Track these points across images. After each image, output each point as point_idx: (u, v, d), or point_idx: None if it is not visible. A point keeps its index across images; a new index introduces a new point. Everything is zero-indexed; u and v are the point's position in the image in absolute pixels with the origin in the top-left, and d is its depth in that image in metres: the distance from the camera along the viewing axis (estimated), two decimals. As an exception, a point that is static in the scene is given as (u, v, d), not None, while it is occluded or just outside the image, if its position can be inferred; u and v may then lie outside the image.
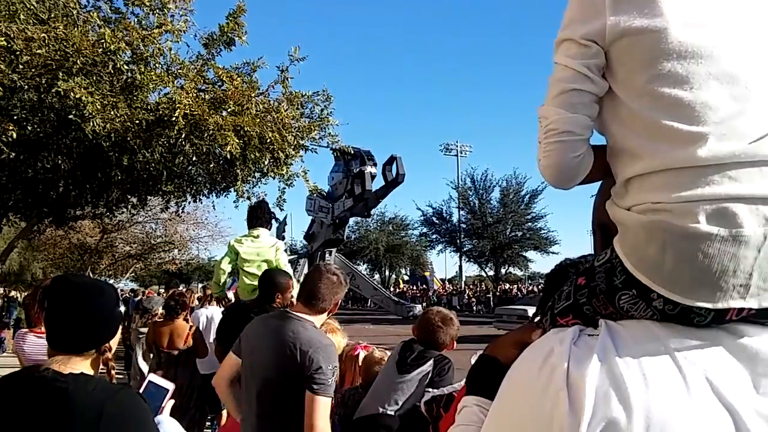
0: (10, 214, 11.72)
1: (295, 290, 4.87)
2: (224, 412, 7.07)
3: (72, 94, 7.10)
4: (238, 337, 3.42)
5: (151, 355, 6.59)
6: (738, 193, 0.98)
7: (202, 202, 13.01)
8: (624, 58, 1.09)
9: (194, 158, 9.15)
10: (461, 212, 51.88)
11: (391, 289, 52.27)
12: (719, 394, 0.97)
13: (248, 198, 10.11)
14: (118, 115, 7.64)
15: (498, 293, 41.94)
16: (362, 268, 57.13)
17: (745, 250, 0.97)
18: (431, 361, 3.70)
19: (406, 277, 64.45)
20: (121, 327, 2.29)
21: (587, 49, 1.11)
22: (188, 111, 7.78)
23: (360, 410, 3.78)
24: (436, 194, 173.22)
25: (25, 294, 22.95)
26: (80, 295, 2.05)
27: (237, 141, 8.07)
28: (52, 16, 7.89)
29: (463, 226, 51.80)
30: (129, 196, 11.73)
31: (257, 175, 10.17)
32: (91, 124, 7.31)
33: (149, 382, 2.25)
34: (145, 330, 8.11)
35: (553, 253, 49.37)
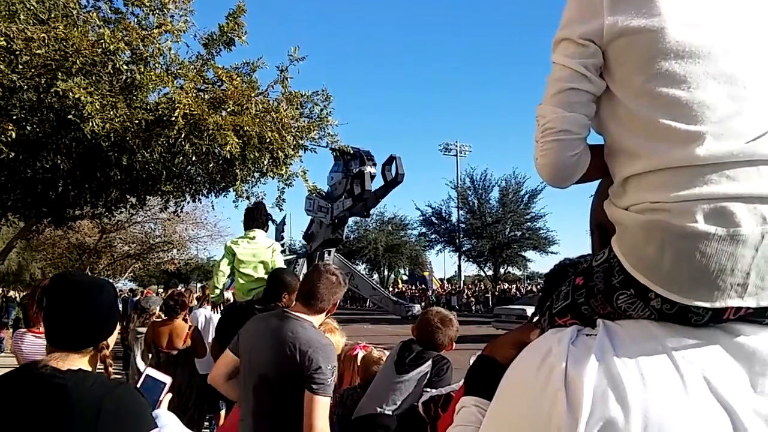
0: (9, 213, 11.72)
1: None
2: (222, 412, 7.09)
3: (71, 94, 7.11)
4: (236, 334, 3.42)
5: (150, 355, 6.58)
6: (736, 193, 0.98)
7: (201, 202, 13.04)
8: (622, 57, 1.09)
9: (193, 158, 9.15)
10: (460, 212, 51.95)
11: (390, 288, 52.27)
12: (717, 393, 0.97)
13: (247, 198, 10.12)
14: (118, 115, 7.65)
15: (497, 293, 41.93)
16: (361, 267, 57.14)
17: (742, 249, 0.97)
18: (430, 362, 3.70)
19: (405, 277, 64.43)
20: (119, 326, 2.30)
21: (585, 48, 1.11)
22: (188, 111, 7.79)
23: (358, 410, 3.78)
24: (436, 194, 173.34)
25: (24, 294, 22.93)
26: (80, 293, 2.06)
27: (236, 141, 8.08)
28: (52, 16, 7.89)
29: (462, 225, 51.83)
30: (128, 196, 11.74)
31: (256, 174, 10.18)
32: (90, 123, 7.32)
33: (147, 375, 2.26)
34: (143, 330, 8.10)
35: (552, 252, 49.48)
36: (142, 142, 8.45)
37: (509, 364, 1.16)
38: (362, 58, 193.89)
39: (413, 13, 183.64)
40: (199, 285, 38.63)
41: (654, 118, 1.04)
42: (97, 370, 2.10)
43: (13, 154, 7.98)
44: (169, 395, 2.26)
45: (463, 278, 57.68)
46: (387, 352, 4.17)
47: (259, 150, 8.78)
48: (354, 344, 4.74)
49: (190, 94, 8.07)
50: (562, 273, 1.50)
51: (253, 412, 3.18)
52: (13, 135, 7.49)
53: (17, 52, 7.11)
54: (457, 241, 52.14)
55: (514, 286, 48.86)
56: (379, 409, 3.65)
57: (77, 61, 7.35)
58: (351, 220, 37.77)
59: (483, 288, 48.15)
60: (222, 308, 6.39)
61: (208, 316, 8.06)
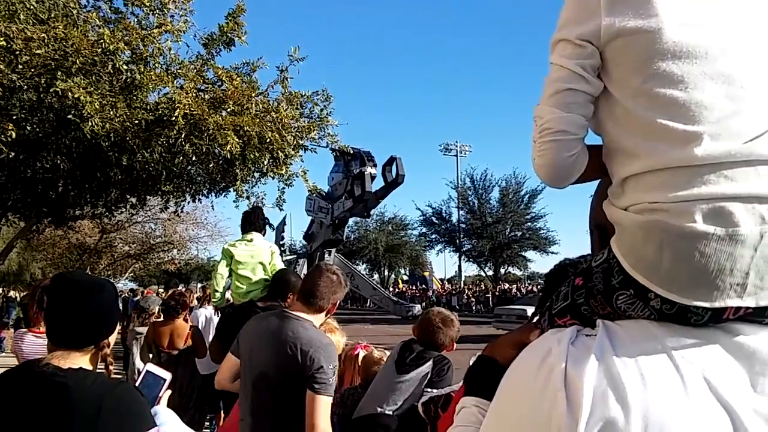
0: (9, 213, 11.72)
1: None
2: (222, 413, 7.09)
3: (71, 93, 7.11)
4: (236, 337, 3.42)
5: (150, 355, 6.58)
6: (734, 193, 0.98)
7: (201, 202, 13.05)
8: (619, 58, 1.09)
9: (194, 158, 9.15)
10: (461, 212, 51.99)
11: (391, 288, 52.33)
12: (717, 393, 0.97)
13: (247, 198, 10.12)
14: (118, 115, 7.65)
15: (497, 293, 41.92)
16: (361, 268, 57.17)
17: (741, 249, 0.97)
18: (430, 362, 3.70)
19: (405, 277, 64.46)
20: (119, 326, 2.30)
21: (582, 49, 1.11)
22: (188, 111, 7.79)
23: (358, 410, 3.78)
24: (436, 194, 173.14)
25: (24, 294, 22.95)
26: (81, 292, 2.08)
27: (237, 141, 8.08)
28: (52, 16, 7.89)
29: (463, 226, 51.86)
30: (128, 196, 11.75)
31: (257, 175, 10.18)
32: (90, 123, 7.32)
33: (147, 371, 2.27)
34: (141, 329, 8.10)
35: (552, 253, 49.53)
36: (142, 142, 8.45)
37: (509, 365, 1.16)
38: (362, 58, 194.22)
39: (413, 13, 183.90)
40: (199, 285, 38.66)
41: (652, 118, 1.05)
42: (99, 369, 2.11)
43: (13, 154, 7.98)
44: (169, 391, 2.27)
45: (463, 278, 57.75)
46: (387, 352, 4.17)
47: (260, 150, 8.78)
48: (355, 344, 4.74)
49: (190, 94, 8.07)
50: (562, 273, 1.49)
51: (254, 412, 3.18)
52: (13, 135, 7.49)
53: (17, 52, 7.11)
54: (457, 241, 52.17)
55: (515, 286, 48.87)
56: (379, 409, 3.65)
57: (77, 60, 7.35)
58: (351, 220, 37.79)
59: (483, 288, 48.18)
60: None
61: (208, 316, 8.07)
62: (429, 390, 3.56)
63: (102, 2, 9.00)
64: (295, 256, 37.66)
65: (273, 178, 9.95)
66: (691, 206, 0.98)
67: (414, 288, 53.40)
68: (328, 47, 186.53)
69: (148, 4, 8.48)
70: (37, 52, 7.15)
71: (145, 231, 35.23)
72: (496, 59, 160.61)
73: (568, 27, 1.14)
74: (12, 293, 30.24)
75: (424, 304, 40.31)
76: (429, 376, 3.67)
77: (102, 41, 7.46)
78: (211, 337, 6.85)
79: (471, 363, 1.40)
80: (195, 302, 9.50)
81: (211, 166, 9.55)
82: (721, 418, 0.96)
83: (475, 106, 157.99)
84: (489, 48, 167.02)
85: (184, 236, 36.47)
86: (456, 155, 58.72)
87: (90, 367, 2.06)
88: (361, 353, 4.51)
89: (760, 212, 0.97)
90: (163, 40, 8.36)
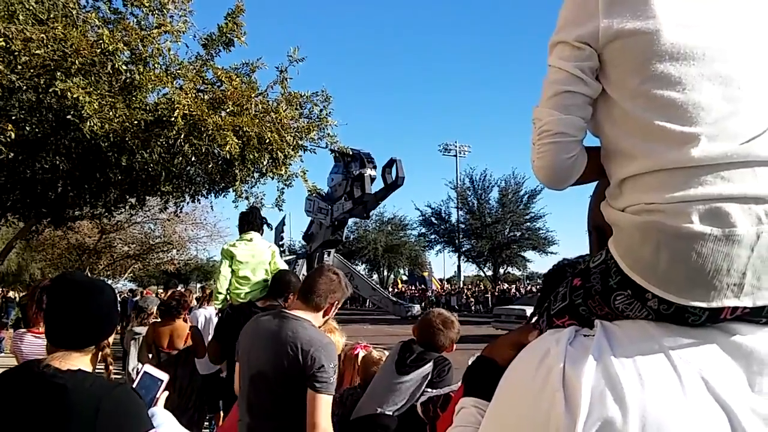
0: (9, 214, 11.72)
1: None
2: (222, 413, 7.09)
3: (70, 94, 7.11)
4: (238, 342, 3.42)
5: (150, 356, 6.58)
6: (731, 193, 0.98)
7: (200, 203, 13.06)
8: (617, 60, 1.10)
9: (193, 158, 9.15)
10: (460, 212, 52.03)
11: (390, 289, 52.31)
12: (714, 393, 0.98)
13: (247, 198, 10.12)
14: (117, 115, 7.65)
15: (496, 293, 41.94)
16: (361, 268, 57.18)
17: (738, 250, 0.97)
18: (431, 363, 3.70)
19: (404, 277, 64.44)
20: (119, 327, 2.32)
21: (581, 51, 1.12)
22: (187, 111, 7.79)
23: (357, 410, 3.78)
24: (435, 194, 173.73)
25: (23, 294, 22.95)
26: (83, 293, 2.10)
27: (236, 141, 8.08)
28: (51, 16, 7.89)
29: (462, 226, 51.89)
30: (127, 197, 11.74)
31: (256, 175, 10.18)
32: (89, 124, 7.33)
33: (144, 372, 2.27)
34: (139, 330, 8.10)
35: (551, 253, 49.57)
36: (142, 142, 8.45)
37: (508, 365, 1.16)
38: (361, 58, 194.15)
39: (412, 13, 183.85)
40: (198, 285, 38.62)
41: (649, 119, 1.05)
42: (99, 370, 2.12)
43: (12, 154, 7.98)
44: (166, 393, 2.28)
45: (462, 278, 57.78)
46: (387, 353, 4.17)
47: (259, 150, 8.78)
48: (354, 344, 4.74)
49: (189, 95, 8.08)
50: (561, 274, 1.50)
51: (253, 413, 3.18)
52: (13, 135, 7.49)
53: (16, 53, 7.12)
54: (456, 241, 52.20)
55: (514, 286, 48.92)
56: (379, 409, 3.65)
57: (76, 61, 7.35)
58: (350, 221, 37.79)
59: (482, 288, 48.19)
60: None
61: (208, 317, 8.07)
62: (429, 390, 3.57)
63: (101, 3, 9.02)
64: (294, 256, 37.66)
65: (272, 178, 9.95)
66: (687, 207, 0.99)
67: (413, 288, 53.38)
68: (328, 48, 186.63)
69: (147, 4, 8.48)
70: (37, 52, 7.16)
71: (144, 231, 35.25)
72: (496, 59, 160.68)
73: (566, 29, 1.14)
74: (11, 293, 30.20)
75: (423, 304, 40.31)
76: (430, 377, 3.68)
77: (101, 42, 7.47)
78: (210, 338, 6.85)
79: (470, 363, 1.41)
80: (194, 302, 9.50)
81: (210, 166, 9.55)
82: (719, 418, 0.96)
83: (474, 106, 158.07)
84: (488, 48, 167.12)
85: (184, 237, 36.48)
86: (455, 155, 58.79)
87: (90, 368, 2.07)
88: (361, 353, 4.51)
89: (757, 213, 0.98)
90: (163, 40, 8.36)
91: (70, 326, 2.05)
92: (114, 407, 1.92)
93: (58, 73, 7.31)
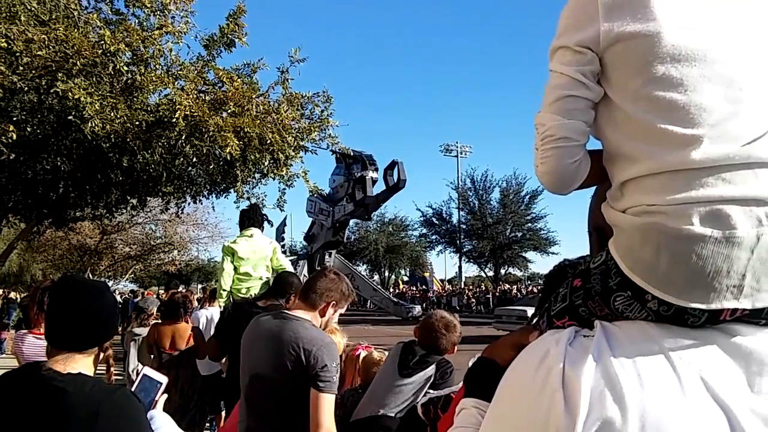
0: (10, 215, 11.73)
1: None
2: (223, 413, 7.08)
3: (71, 95, 7.11)
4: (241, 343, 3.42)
5: (152, 357, 6.57)
6: (732, 195, 0.98)
7: (201, 203, 13.05)
8: (618, 63, 1.10)
9: (194, 159, 9.15)
10: (461, 213, 51.94)
11: (391, 289, 52.28)
12: (713, 393, 0.98)
13: (248, 199, 10.13)
14: (118, 116, 7.65)
15: (497, 294, 41.90)
16: (362, 268, 57.09)
17: (738, 252, 0.98)
18: (434, 366, 3.71)
19: (405, 278, 64.42)
20: (120, 328, 2.33)
21: (582, 55, 1.12)
22: (188, 112, 7.79)
23: (356, 412, 3.77)
24: (436, 195, 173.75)
25: (24, 295, 22.94)
26: (85, 295, 2.11)
27: (237, 142, 8.08)
28: (53, 17, 7.90)
29: (463, 226, 51.81)
30: (129, 197, 11.75)
31: (257, 176, 10.19)
32: (91, 125, 7.33)
33: (144, 375, 2.28)
34: (138, 330, 8.10)
35: (552, 253, 49.43)
36: (143, 143, 8.45)
37: (509, 366, 1.16)
38: (363, 59, 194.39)
39: (413, 14, 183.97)
40: (199, 286, 38.60)
41: (651, 122, 1.05)
42: (101, 371, 2.13)
43: (13, 155, 7.98)
44: (165, 395, 2.28)
45: (463, 279, 57.73)
46: (387, 353, 4.17)
47: (260, 151, 8.78)
48: (356, 345, 4.75)
49: (190, 96, 8.08)
50: (562, 274, 1.50)
51: (255, 414, 3.18)
52: (14, 136, 7.50)
53: (18, 54, 7.12)
54: (457, 241, 52.13)
55: (515, 286, 48.83)
56: (381, 411, 3.65)
57: (78, 62, 7.36)
58: (352, 221, 37.79)
59: (484, 289, 48.13)
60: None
61: (209, 317, 8.06)
62: (430, 391, 3.57)
63: (103, 3, 9.02)
64: (295, 257, 37.65)
65: (273, 179, 9.95)
66: (688, 209, 0.99)
67: (414, 289, 53.36)
68: (329, 48, 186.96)
69: (148, 5, 8.48)
70: (38, 53, 7.17)
71: (145, 232, 35.27)
72: (497, 60, 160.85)
73: (567, 34, 1.14)
74: (12, 294, 30.21)
75: (424, 305, 40.29)
76: (432, 379, 3.68)
77: (103, 42, 7.47)
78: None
79: (470, 364, 1.41)
80: (195, 303, 9.50)
81: (211, 167, 9.55)
82: (718, 418, 0.96)
83: (475, 107, 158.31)
84: (490, 48, 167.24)
85: (185, 237, 36.49)
86: (456, 156, 58.77)
87: (91, 371, 2.08)
88: (362, 354, 4.51)
89: (758, 215, 0.98)
90: (164, 41, 8.37)
91: (73, 328, 2.06)
92: (113, 411, 1.92)
93: (60, 74, 7.31)
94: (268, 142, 8.61)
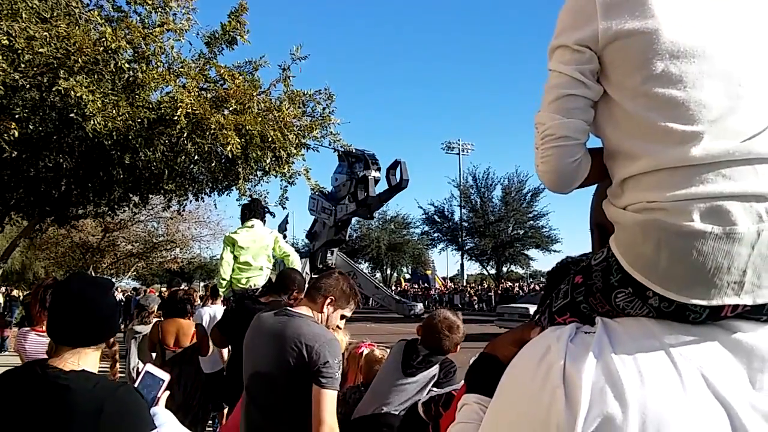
0: (12, 212, 11.74)
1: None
2: (225, 410, 7.09)
3: (73, 92, 7.12)
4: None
5: (153, 354, 6.57)
6: (732, 191, 0.98)
7: (203, 201, 13.05)
8: (617, 60, 1.10)
9: (196, 157, 9.17)
10: (463, 210, 51.97)
11: (393, 287, 52.24)
12: (714, 390, 0.98)
13: (250, 196, 10.14)
14: (120, 113, 7.66)
15: (499, 291, 41.90)
16: (364, 266, 57.16)
17: (739, 248, 0.97)
18: (437, 366, 3.71)
19: (407, 276, 64.39)
20: (122, 326, 2.34)
21: (581, 54, 1.12)
22: (190, 110, 7.80)
23: (358, 410, 3.77)
24: (438, 192, 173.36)
25: (27, 293, 23.01)
26: (94, 291, 2.13)
27: (238, 140, 8.09)
28: (54, 14, 7.90)
29: (465, 224, 51.83)
30: (131, 195, 11.75)
31: (259, 173, 10.20)
32: (93, 122, 7.34)
33: (146, 372, 2.29)
34: (139, 328, 8.11)
35: (554, 251, 49.46)
36: (145, 140, 8.46)
37: (510, 362, 1.16)
38: (364, 57, 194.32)
39: (415, 11, 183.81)
40: (202, 284, 38.64)
41: (651, 119, 1.05)
42: (104, 368, 2.14)
43: (15, 153, 7.99)
44: (167, 392, 2.29)
45: (465, 277, 57.67)
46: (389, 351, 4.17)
47: (262, 149, 8.79)
48: (359, 342, 4.75)
49: (192, 93, 8.08)
50: (564, 271, 1.50)
51: (258, 410, 3.18)
52: (16, 134, 7.51)
53: (19, 51, 7.12)
54: (459, 239, 52.15)
55: (517, 284, 48.84)
56: (384, 409, 3.65)
57: (79, 59, 7.36)
58: (354, 219, 37.78)
59: (486, 286, 48.15)
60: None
61: (212, 314, 8.07)
62: (433, 389, 3.57)
63: (104, 1, 9.03)
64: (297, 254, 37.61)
65: (275, 176, 9.97)
66: (688, 205, 0.99)
67: (416, 287, 53.33)
68: (331, 46, 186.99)
69: (150, 2, 8.49)
70: (40, 50, 7.17)
71: (147, 230, 35.36)
72: (499, 57, 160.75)
73: (565, 33, 1.14)
74: (15, 292, 30.30)
75: (426, 302, 40.29)
76: (436, 378, 3.69)
77: (104, 40, 7.47)
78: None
79: (471, 362, 1.41)
80: (198, 301, 9.51)
81: (213, 164, 9.56)
82: (719, 414, 0.96)
83: (477, 104, 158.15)
84: (492, 46, 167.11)
85: (187, 235, 36.60)
86: (458, 153, 58.77)
87: (95, 368, 2.09)
88: (365, 352, 4.51)
89: (758, 210, 0.98)
90: (166, 38, 8.37)
91: (78, 323, 2.07)
92: (117, 408, 1.94)
93: (62, 72, 7.32)
94: (270, 139, 8.61)
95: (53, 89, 7.37)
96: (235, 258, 6.18)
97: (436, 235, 55.23)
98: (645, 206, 1.03)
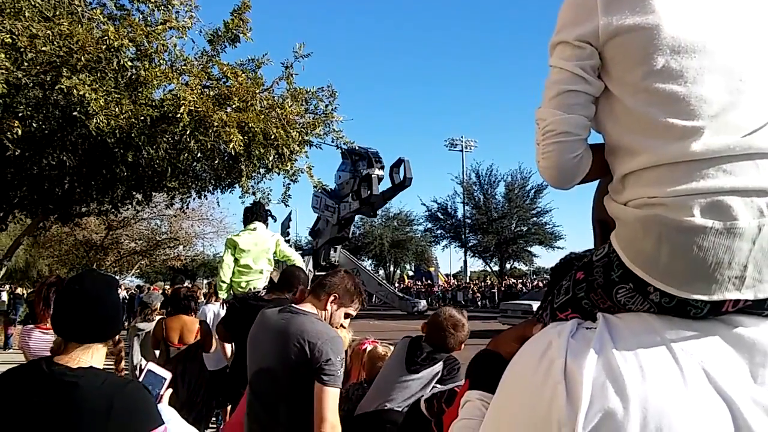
0: (16, 211, 11.76)
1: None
2: (229, 407, 7.11)
3: (76, 90, 7.13)
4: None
5: (157, 351, 6.59)
6: (732, 186, 0.98)
7: (206, 199, 13.07)
8: (618, 56, 1.10)
9: (199, 154, 9.17)
10: (466, 207, 51.92)
11: (396, 284, 52.23)
12: (715, 385, 0.98)
13: (253, 194, 10.15)
14: (123, 111, 7.67)
15: (503, 288, 41.86)
16: (367, 263, 57.09)
17: (740, 243, 0.98)
18: (441, 363, 3.72)
19: (410, 273, 64.33)
20: (126, 323, 2.35)
21: (581, 50, 1.12)
22: (193, 107, 7.80)
23: (361, 406, 3.78)
24: (441, 189, 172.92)
25: (30, 291, 23.06)
26: (101, 288, 2.15)
27: (241, 138, 8.09)
28: (57, 13, 7.91)
29: (468, 221, 51.79)
30: (134, 193, 11.76)
31: (262, 171, 10.20)
32: (96, 120, 7.34)
33: (148, 370, 2.31)
34: (142, 325, 8.12)
35: (558, 248, 49.43)
36: (148, 138, 8.46)
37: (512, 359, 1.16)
38: (367, 54, 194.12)
39: (418, 8, 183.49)
40: (205, 281, 38.71)
41: (651, 114, 1.05)
42: (108, 364, 2.15)
43: (19, 151, 8.01)
44: (170, 390, 2.30)
45: (468, 274, 57.70)
46: (393, 348, 4.17)
47: (264, 146, 8.79)
48: (362, 339, 4.75)
49: (195, 91, 8.08)
50: (568, 267, 1.50)
51: (262, 407, 3.19)
52: (19, 132, 7.51)
53: (22, 49, 7.13)
54: (462, 236, 52.12)
55: (520, 281, 48.79)
56: (388, 405, 3.65)
57: (82, 57, 7.37)
58: (357, 216, 37.80)
59: (489, 283, 48.11)
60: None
61: (216, 312, 8.08)
62: (437, 386, 3.57)
63: (107, -1, 9.03)
64: (300, 252, 37.63)
65: (278, 174, 9.96)
66: (689, 200, 0.99)
67: (419, 283, 53.31)
68: (333, 43, 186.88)
69: (152, 0, 8.49)
70: (42, 49, 7.18)
71: (150, 227, 35.39)
72: (502, 54, 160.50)
73: (566, 29, 1.14)
74: (19, 290, 30.36)
75: (429, 299, 40.29)
76: (440, 375, 3.69)
77: (107, 38, 7.48)
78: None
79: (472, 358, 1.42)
80: (201, 298, 9.52)
81: (216, 162, 9.57)
82: (720, 409, 0.96)
83: (480, 101, 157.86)
84: (495, 43, 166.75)
85: (190, 233, 36.63)
86: (461, 150, 58.81)
87: (101, 364, 2.10)
88: (368, 348, 4.51)
89: (759, 205, 0.98)
90: (168, 36, 8.37)
91: (91, 320, 2.08)
92: (126, 405, 1.95)
93: (64, 70, 7.33)
94: (273, 137, 8.61)
95: (56, 87, 7.37)
96: (236, 261, 6.19)
97: (439, 232, 55.24)
98: (646, 202, 1.03)
